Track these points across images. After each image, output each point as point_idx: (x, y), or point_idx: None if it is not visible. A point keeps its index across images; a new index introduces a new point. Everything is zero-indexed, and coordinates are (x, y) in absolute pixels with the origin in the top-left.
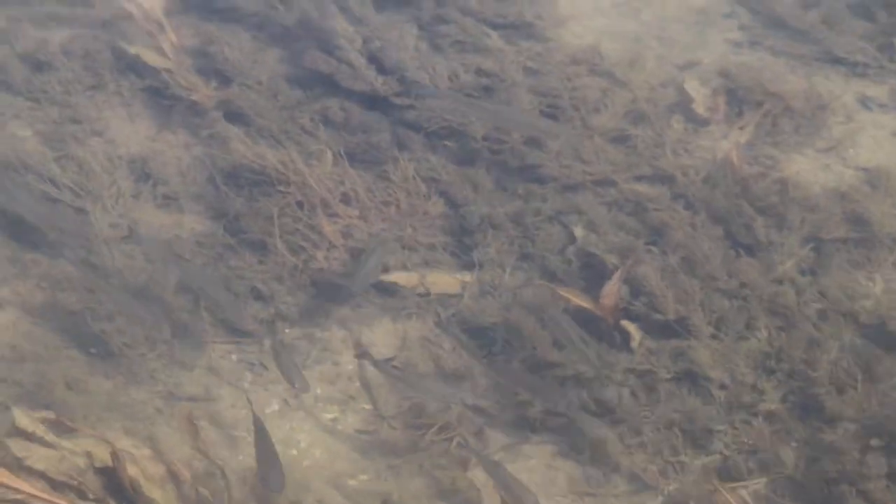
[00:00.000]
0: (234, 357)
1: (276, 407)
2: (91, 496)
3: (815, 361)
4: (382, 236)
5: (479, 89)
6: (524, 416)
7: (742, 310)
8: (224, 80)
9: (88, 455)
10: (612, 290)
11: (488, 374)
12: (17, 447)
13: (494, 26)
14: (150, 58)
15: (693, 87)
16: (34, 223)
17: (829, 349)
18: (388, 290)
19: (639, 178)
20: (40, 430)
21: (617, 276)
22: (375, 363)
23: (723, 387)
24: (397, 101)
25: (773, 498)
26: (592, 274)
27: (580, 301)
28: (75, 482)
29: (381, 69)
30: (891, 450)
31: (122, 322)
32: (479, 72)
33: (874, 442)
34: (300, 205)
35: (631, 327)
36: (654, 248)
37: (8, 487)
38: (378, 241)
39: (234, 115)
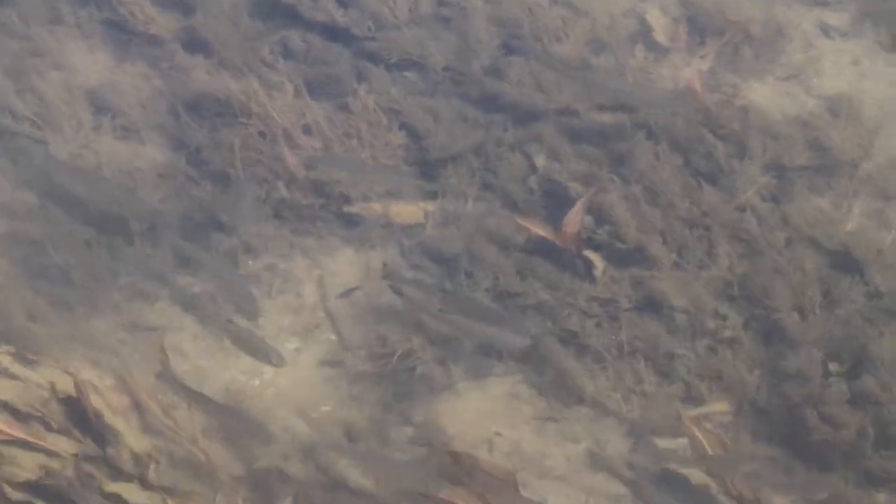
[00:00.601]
0: (195, 288)
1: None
2: (55, 426)
3: (777, 288)
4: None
5: (439, 20)
6: (489, 345)
7: (704, 238)
8: (184, 10)
9: (52, 386)
10: (574, 219)
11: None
12: None
13: None
14: None
15: (654, 16)
16: None
17: (791, 276)
18: (351, 220)
19: (601, 108)
20: (4, 361)
21: (579, 205)
22: None
23: (685, 314)
24: (358, 32)
25: (735, 424)
26: (555, 203)
27: (541, 231)
28: (39, 413)
29: (342, 1)
30: (852, 374)
31: (84, 254)
32: (440, 2)
33: (834, 367)
34: (262, 136)
35: (594, 256)
36: (616, 178)
37: None
38: None
39: (194, 46)
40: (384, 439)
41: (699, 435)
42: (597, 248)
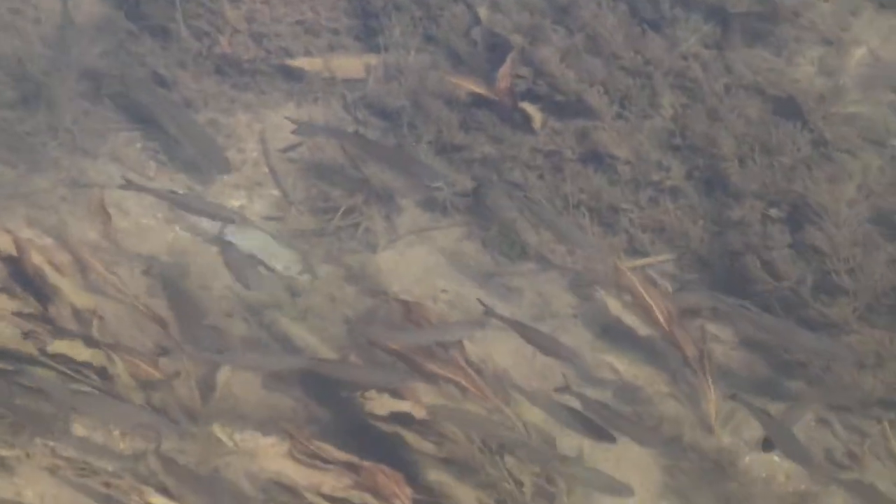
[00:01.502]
0: (138, 145)
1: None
2: None
3: (720, 137)
4: None
5: None
6: (433, 199)
7: (647, 87)
8: None
9: None
10: (506, 72)
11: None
12: None
13: None
14: None
15: None
16: None
17: (734, 124)
18: (293, 75)
19: None
20: None
21: (509, 59)
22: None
23: (628, 165)
24: None
25: (678, 274)
26: (498, 55)
27: (474, 87)
28: None
29: None
30: (793, 221)
31: (24, 112)
32: None
33: (775, 212)
34: None
35: (531, 109)
36: (559, 28)
37: None
38: None
39: None
40: (329, 295)
41: (642, 286)
42: (536, 100)
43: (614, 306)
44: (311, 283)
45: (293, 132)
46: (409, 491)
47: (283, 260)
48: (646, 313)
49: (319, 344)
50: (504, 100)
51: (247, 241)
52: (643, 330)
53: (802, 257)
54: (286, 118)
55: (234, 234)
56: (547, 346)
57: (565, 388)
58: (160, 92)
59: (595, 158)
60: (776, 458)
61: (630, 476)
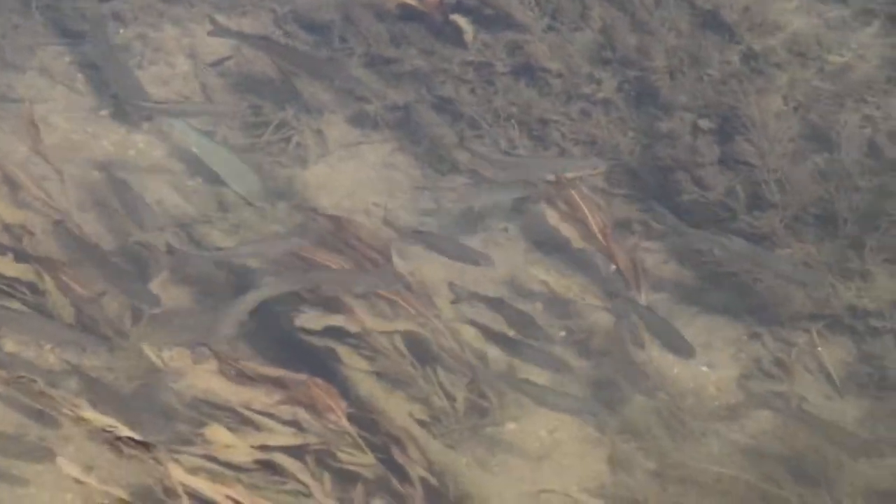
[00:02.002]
0: (66, 59)
1: (106, 112)
2: None
3: (650, 49)
4: None
5: None
6: (363, 113)
7: (577, 0)
8: None
9: None
10: None
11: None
12: None
13: None
14: None
15: None
16: None
17: (663, 37)
18: None
19: None
20: None
21: None
22: None
23: (559, 78)
24: None
25: (608, 188)
26: None
27: None
28: None
29: None
30: (722, 134)
31: None
32: None
33: (705, 124)
34: None
35: (462, 21)
36: None
37: None
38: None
39: None
40: (259, 210)
41: (574, 198)
42: (466, 13)
43: (547, 219)
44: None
45: (209, 33)
46: (344, 405)
47: (245, 184)
48: (581, 225)
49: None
50: (435, 13)
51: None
52: (576, 243)
53: (731, 169)
54: (207, 17)
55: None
56: (455, 251)
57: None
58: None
59: (526, 71)
60: (705, 369)
61: (562, 390)
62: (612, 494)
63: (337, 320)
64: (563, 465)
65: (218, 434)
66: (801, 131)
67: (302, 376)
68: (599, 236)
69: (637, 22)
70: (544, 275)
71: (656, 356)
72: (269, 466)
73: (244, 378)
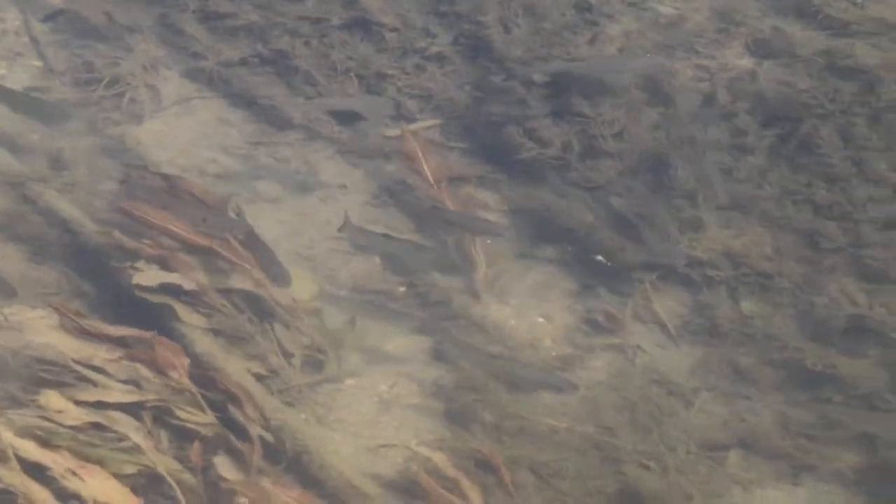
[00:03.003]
0: None
1: None
2: None
3: (484, 2)
4: None
5: None
6: (198, 69)
7: None
8: None
9: None
10: None
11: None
12: None
13: None
14: None
15: None
16: None
17: None
18: None
19: None
20: None
21: None
22: None
23: (395, 32)
24: None
25: (445, 142)
26: None
27: None
28: None
29: None
30: (555, 87)
31: None
32: None
33: (539, 77)
34: None
35: None
36: None
37: None
38: None
39: None
40: (93, 168)
41: (413, 147)
42: None
43: (383, 173)
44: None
45: None
46: (186, 362)
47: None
48: (419, 178)
49: (83, 217)
50: None
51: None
52: (413, 196)
53: (567, 122)
54: None
55: None
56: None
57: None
58: None
59: (362, 25)
60: (541, 321)
61: (401, 345)
62: (451, 447)
63: (173, 278)
64: (402, 420)
65: (52, 400)
66: (636, 82)
67: (147, 334)
68: (435, 188)
69: None
70: (382, 230)
71: (494, 309)
72: (103, 425)
73: (86, 334)
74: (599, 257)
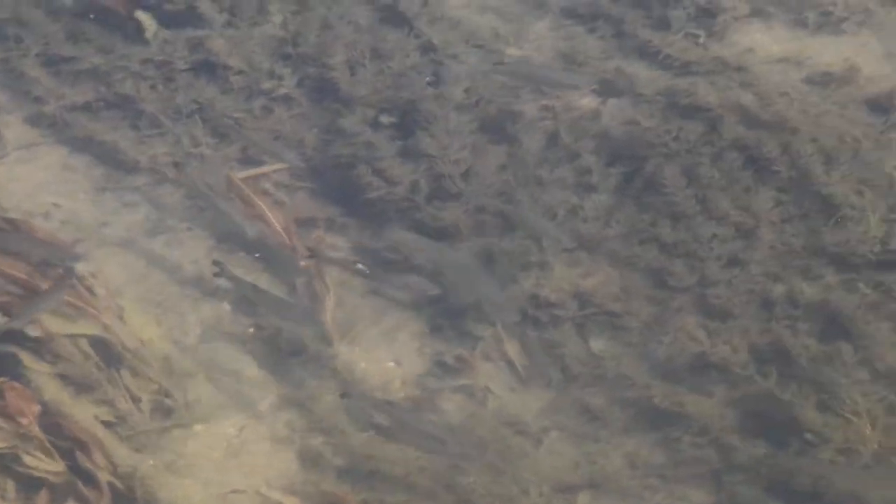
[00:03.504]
0: None
1: None
2: None
3: (330, 44)
4: None
5: None
6: (41, 114)
7: None
8: None
9: None
10: None
11: None
12: None
13: None
14: None
15: None
16: None
17: (342, 31)
18: None
19: None
20: None
21: None
22: None
23: (240, 75)
24: None
25: (292, 183)
26: None
27: None
28: None
29: None
30: (404, 127)
31: None
32: None
33: (386, 118)
34: None
35: (144, 17)
36: None
37: None
38: None
39: None
40: None
41: (255, 195)
42: (147, 9)
43: (231, 216)
44: None
45: None
46: (36, 408)
47: None
48: (263, 223)
49: None
50: (120, 7)
51: None
52: (262, 239)
53: (415, 163)
54: None
55: None
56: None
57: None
58: None
59: (207, 68)
60: (392, 364)
61: (250, 389)
62: (302, 491)
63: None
64: (253, 464)
65: None
66: (482, 124)
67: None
68: (282, 233)
69: (316, 16)
70: (229, 273)
71: (344, 352)
72: None
73: None
74: (360, 265)
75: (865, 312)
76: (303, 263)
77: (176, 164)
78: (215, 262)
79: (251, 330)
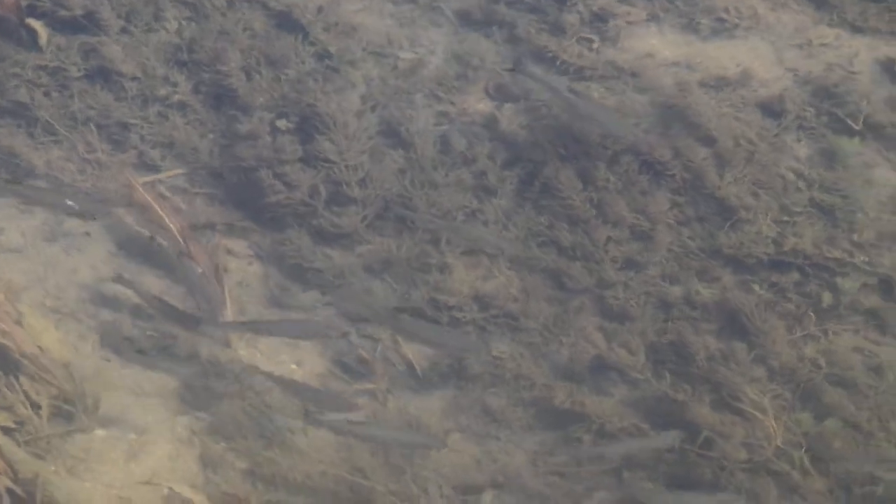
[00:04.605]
0: None
1: None
2: None
3: (225, 51)
4: None
5: None
6: None
7: (150, 2)
8: None
9: None
10: None
11: None
12: None
13: None
14: None
15: None
16: None
17: (238, 38)
18: None
19: None
20: None
21: None
22: None
23: (135, 81)
24: None
25: (190, 189)
26: None
27: None
28: None
29: None
30: (302, 132)
31: None
32: None
33: (283, 124)
34: None
35: (37, 24)
36: None
37: None
38: None
39: None
40: None
41: (154, 202)
42: (41, 16)
43: (129, 222)
44: None
45: None
46: None
47: None
48: (161, 229)
49: None
50: (11, 14)
51: None
52: (160, 245)
53: (313, 168)
54: None
55: None
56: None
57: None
58: None
59: (102, 74)
60: (294, 367)
61: (151, 392)
62: (205, 493)
63: None
64: (154, 468)
65: None
66: (379, 128)
67: None
68: (179, 239)
69: (211, 23)
70: (128, 279)
71: (245, 355)
72: None
73: None
74: (69, 202)
75: (761, 312)
76: (200, 270)
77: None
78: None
79: (150, 334)
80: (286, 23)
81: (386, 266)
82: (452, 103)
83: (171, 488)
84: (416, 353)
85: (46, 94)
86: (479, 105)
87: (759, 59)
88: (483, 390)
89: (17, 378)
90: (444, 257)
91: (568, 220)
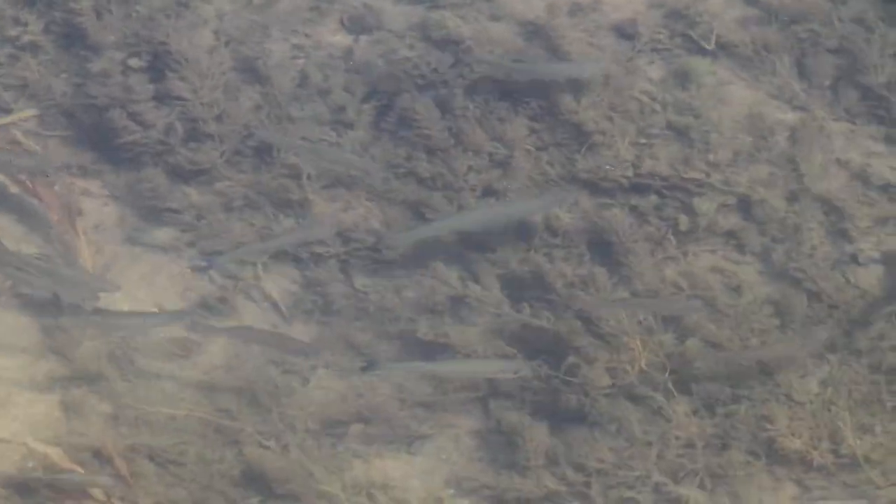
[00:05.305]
0: None
1: None
2: None
3: None
4: None
5: None
6: None
7: None
8: None
9: None
10: None
11: None
12: None
13: None
14: None
15: None
16: None
17: None
18: None
19: None
20: None
21: None
22: None
23: None
24: None
25: (43, 132)
26: None
27: None
28: None
29: None
30: (155, 70)
31: None
32: None
33: (136, 63)
34: None
35: None
36: None
37: None
38: None
39: None
40: None
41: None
42: None
43: None
44: None
45: None
46: None
47: None
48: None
49: None
50: None
51: None
52: (12, 189)
53: (168, 106)
54: None
55: None
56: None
57: None
58: None
59: None
60: (154, 309)
61: (8, 339)
62: (68, 441)
63: None
64: (15, 415)
65: None
66: (234, 64)
67: None
68: (27, 183)
69: None
70: None
71: (105, 297)
72: None
73: None
74: None
75: (622, 236)
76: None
77: None
78: None
79: (8, 283)
80: None
81: (246, 203)
82: (307, 35)
83: (26, 444)
84: (279, 289)
85: None
86: (335, 37)
87: None
88: (347, 325)
89: None
90: (304, 191)
91: (426, 150)
